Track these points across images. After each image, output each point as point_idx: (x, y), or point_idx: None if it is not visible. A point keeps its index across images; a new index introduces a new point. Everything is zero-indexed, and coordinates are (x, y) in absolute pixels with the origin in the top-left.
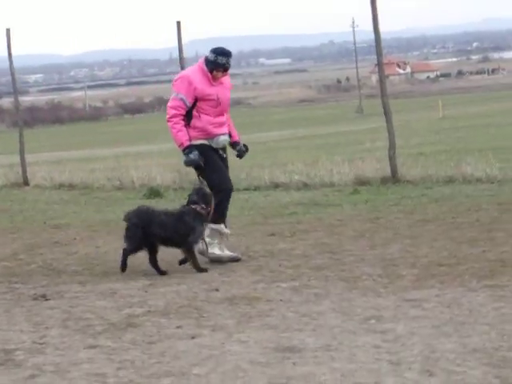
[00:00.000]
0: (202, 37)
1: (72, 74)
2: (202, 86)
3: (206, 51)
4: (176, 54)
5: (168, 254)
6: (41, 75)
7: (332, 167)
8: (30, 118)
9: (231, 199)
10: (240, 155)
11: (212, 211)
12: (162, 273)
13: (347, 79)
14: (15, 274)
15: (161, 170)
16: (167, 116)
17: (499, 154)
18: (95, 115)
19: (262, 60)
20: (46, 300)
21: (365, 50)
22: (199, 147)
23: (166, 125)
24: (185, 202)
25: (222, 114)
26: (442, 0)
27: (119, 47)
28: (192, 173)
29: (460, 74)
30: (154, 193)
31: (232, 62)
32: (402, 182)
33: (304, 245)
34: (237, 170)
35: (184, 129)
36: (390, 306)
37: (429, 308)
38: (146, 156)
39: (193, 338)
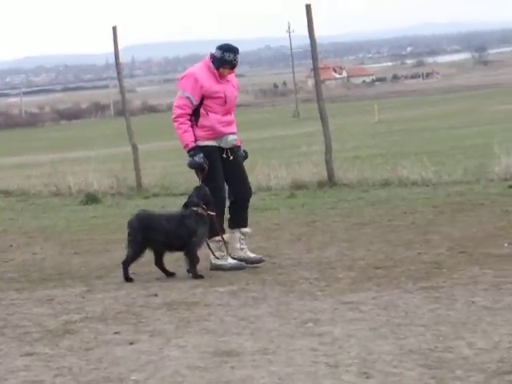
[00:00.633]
0: (139, 42)
1: (8, 80)
2: (209, 83)
3: (142, 57)
4: (112, 60)
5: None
6: None
7: (269, 171)
8: None
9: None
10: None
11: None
12: (169, 274)
13: (284, 84)
14: None
15: (98, 176)
16: (173, 116)
17: (434, 158)
18: (31, 121)
19: None
20: None
21: (301, 55)
22: (204, 149)
23: (103, 130)
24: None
25: (229, 113)
26: (383, 4)
27: (55, 53)
28: (130, 178)
29: (395, 78)
30: (92, 198)
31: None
32: (339, 185)
33: None
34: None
35: (190, 129)
36: (327, 308)
37: (365, 310)
38: (84, 162)
39: (131, 343)
